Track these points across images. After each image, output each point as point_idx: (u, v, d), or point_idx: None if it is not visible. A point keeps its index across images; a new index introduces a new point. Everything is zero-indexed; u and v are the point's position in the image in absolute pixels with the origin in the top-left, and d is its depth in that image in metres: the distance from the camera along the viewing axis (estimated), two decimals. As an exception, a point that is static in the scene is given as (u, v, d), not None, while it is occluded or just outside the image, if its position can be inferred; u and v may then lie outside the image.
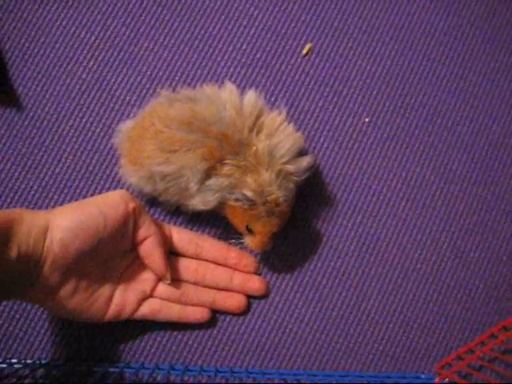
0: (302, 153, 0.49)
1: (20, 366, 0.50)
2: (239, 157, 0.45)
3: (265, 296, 0.53)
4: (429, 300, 0.55)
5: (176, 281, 0.50)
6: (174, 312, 0.50)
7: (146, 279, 0.49)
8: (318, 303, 0.54)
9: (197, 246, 0.51)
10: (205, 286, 0.51)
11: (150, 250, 0.47)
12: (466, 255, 0.56)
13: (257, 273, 0.53)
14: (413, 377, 0.53)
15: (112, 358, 0.52)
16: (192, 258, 0.51)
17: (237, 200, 0.46)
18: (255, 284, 0.52)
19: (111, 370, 0.50)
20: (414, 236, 0.55)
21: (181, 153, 0.45)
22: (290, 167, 0.47)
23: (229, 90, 0.48)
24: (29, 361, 0.51)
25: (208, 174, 0.46)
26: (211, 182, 0.46)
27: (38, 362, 0.51)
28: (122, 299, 0.48)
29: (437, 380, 0.52)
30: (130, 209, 0.45)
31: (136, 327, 0.52)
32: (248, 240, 0.49)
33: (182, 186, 0.47)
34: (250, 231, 0.48)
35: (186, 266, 0.51)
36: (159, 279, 0.49)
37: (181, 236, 0.51)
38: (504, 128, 0.58)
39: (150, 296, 0.49)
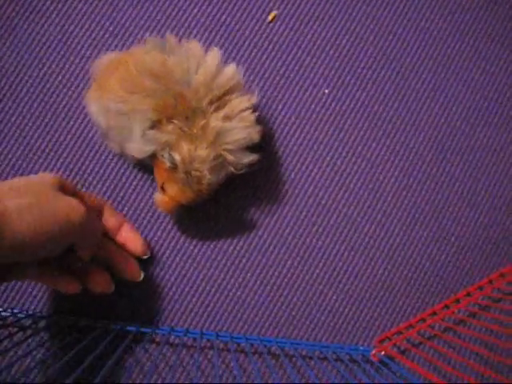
0: (252, 147, 0.48)
1: (23, 315, 0.50)
2: (187, 123, 0.45)
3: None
4: (374, 274, 0.55)
5: None
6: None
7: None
8: (263, 270, 0.54)
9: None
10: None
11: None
12: (414, 233, 0.56)
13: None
14: (351, 348, 0.54)
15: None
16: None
17: (162, 157, 0.46)
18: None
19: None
20: (364, 210, 0.56)
21: (138, 97, 0.45)
22: (230, 157, 0.46)
23: (212, 56, 0.47)
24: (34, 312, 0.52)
25: (153, 124, 0.46)
26: (152, 132, 0.46)
27: (39, 313, 0.52)
28: None
29: (373, 352, 0.53)
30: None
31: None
32: (157, 196, 0.49)
33: (129, 127, 0.46)
34: (163, 190, 0.48)
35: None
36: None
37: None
38: (466, 107, 0.57)
39: None
